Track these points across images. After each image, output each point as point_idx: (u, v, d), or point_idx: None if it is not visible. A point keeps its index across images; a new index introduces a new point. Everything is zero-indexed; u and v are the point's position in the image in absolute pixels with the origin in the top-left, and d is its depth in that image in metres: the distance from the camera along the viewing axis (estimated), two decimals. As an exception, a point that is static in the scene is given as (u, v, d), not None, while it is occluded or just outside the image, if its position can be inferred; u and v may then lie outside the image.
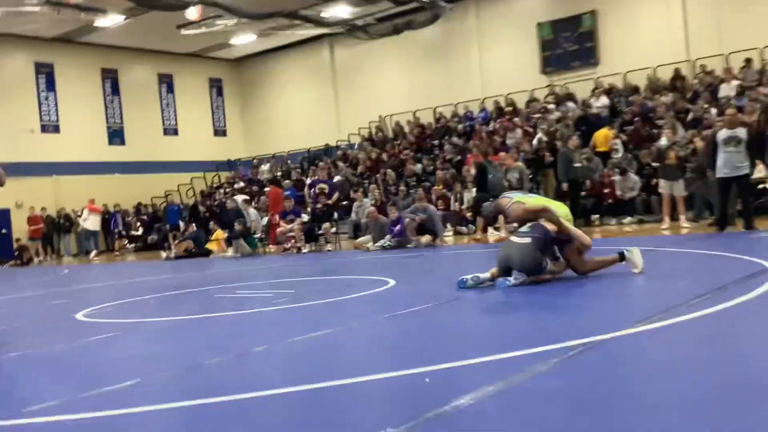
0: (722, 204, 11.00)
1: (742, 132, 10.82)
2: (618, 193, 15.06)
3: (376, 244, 13.98)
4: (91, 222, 22.75)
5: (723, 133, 10.87)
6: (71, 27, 24.07)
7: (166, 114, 29.21)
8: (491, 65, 24.30)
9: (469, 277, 6.47)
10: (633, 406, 2.79)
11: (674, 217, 12.54)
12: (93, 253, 22.05)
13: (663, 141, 12.87)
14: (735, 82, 17.43)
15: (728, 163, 10.71)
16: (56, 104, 25.90)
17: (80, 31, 24.85)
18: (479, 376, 3.37)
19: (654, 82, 19.64)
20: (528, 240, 6.36)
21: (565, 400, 2.91)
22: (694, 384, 3.06)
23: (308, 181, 20.06)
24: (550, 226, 6.45)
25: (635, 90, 19.68)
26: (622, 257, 6.49)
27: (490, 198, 14.39)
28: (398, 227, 13.86)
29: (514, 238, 6.58)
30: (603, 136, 16.74)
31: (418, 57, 26.04)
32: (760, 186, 13.47)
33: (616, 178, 15.22)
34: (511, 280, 6.32)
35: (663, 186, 12.54)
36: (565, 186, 14.04)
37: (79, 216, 23.24)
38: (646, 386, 3.09)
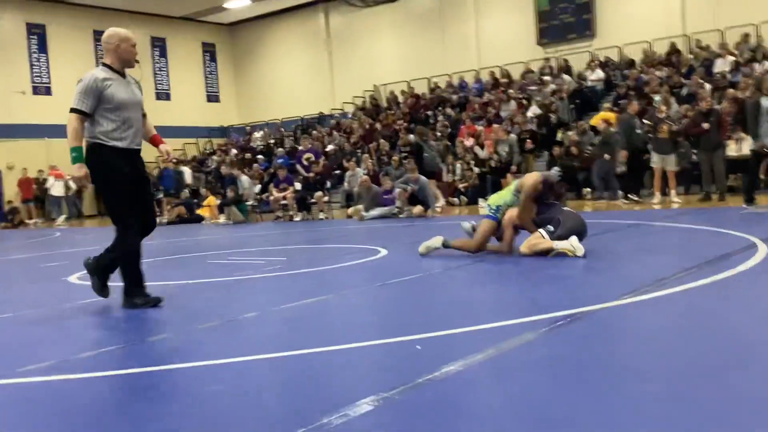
0: (755, 175, 10.33)
1: None
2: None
3: (368, 213, 14.01)
4: (55, 188, 22.45)
5: (766, 101, 9.82)
6: (63, -12, 23.82)
7: (159, 78, 28.96)
8: (487, 36, 24.14)
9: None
10: (616, 373, 2.85)
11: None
12: (61, 218, 21.74)
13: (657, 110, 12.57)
14: (730, 58, 17.39)
15: None
16: (48, 66, 25.66)
17: (73, -8, 24.59)
18: (469, 344, 3.42)
19: (650, 56, 19.58)
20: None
21: (551, 368, 2.97)
22: (676, 353, 3.12)
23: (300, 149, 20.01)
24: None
25: (631, 64, 19.61)
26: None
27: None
28: (390, 196, 13.91)
29: (566, 208, 6.69)
30: (602, 116, 16.56)
31: (413, 26, 25.85)
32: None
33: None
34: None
35: (655, 160, 12.58)
36: (623, 155, 13.24)
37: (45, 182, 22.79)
38: (630, 355, 3.16)
